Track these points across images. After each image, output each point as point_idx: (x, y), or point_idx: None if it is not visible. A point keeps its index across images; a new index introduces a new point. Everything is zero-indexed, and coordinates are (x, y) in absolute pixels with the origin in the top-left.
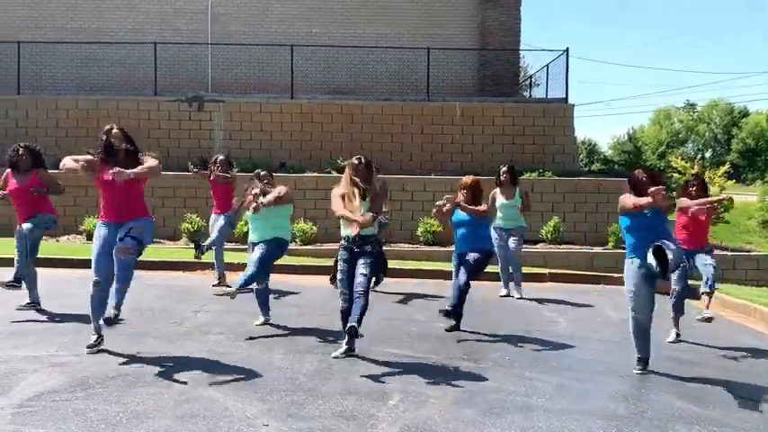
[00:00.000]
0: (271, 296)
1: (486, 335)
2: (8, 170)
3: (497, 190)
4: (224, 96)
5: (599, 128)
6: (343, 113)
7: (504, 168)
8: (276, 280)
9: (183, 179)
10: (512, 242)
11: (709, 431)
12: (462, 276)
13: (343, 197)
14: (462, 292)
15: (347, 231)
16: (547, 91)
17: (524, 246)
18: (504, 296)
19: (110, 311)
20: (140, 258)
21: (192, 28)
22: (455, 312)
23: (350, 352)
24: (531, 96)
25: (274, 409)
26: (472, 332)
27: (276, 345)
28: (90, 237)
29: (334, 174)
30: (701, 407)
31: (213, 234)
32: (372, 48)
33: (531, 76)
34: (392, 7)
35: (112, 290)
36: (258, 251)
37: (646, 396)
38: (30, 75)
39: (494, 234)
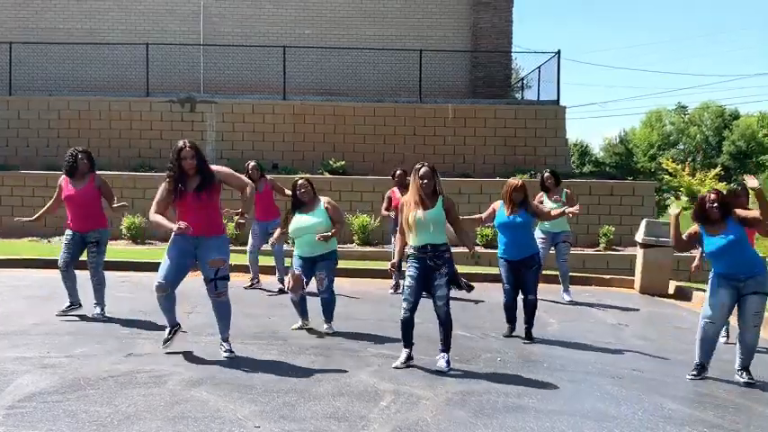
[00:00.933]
0: (265, 296)
1: (478, 336)
2: (63, 176)
3: (542, 194)
4: (216, 97)
5: (591, 130)
6: (335, 115)
7: (547, 173)
8: (269, 281)
9: None
10: (562, 252)
11: (699, 431)
12: (530, 296)
13: (405, 204)
14: (531, 306)
15: (414, 242)
16: (539, 93)
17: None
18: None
19: (225, 348)
20: (133, 260)
21: (184, 29)
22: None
23: (409, 361)
24: (522, 98)
25: (266, 411)
26: (465, 333)
27: (269, 346)
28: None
29: (327, 175)
30: (692, 408)
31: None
32: (365, 49)
33: (522, 78)
34: (384, 9)
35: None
36: (326, 276)
37: (637, 397)
38: (22, 75)
39: (539, 235)
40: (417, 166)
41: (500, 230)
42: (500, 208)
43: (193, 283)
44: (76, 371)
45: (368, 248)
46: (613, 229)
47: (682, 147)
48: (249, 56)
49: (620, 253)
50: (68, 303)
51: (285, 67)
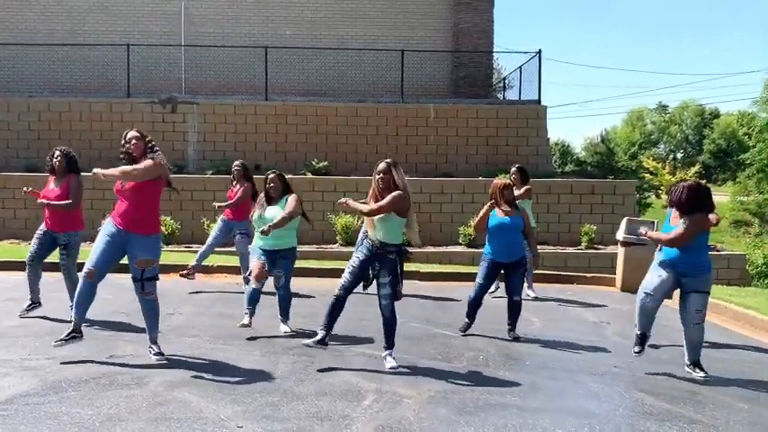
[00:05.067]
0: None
1: (461, 335)
2: (50, 176)
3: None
4: (198, 98)
5: (572, 129)
6: (317, 115)
7: (514, 169)
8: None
9: None
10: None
11: (679, 428)
12: (516, 297)
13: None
14: (517, 307)
15: (371, 233)
16: (520, 93)
17: None
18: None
19: (155, 351)
20: None
21: (165, 30)
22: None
23: (322, 343)
24: (504, 98)
25: (249, 411)
26: (447, 332)
27: (251, 346)
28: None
29: (309, 175)
30: (672, 404)
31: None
32: (346, 50)
33: (504, 78)
34: (366, 9)
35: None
36: (283, 273)
37: (618, 394)
38: (1, 77)
39: None
40: (378, 161)
41: (491, 232)
42: (492, 210)
43: (173, 283)
44: (58, 373)
45: (350, 248)
46: (595, 227)
47: (662, 145)
48: (231, 56)
49: (602, 251)
50: (29, 302)
51: (267, 68)
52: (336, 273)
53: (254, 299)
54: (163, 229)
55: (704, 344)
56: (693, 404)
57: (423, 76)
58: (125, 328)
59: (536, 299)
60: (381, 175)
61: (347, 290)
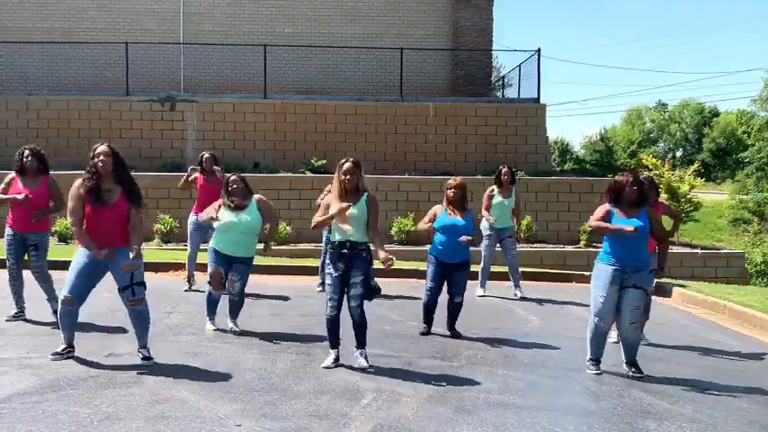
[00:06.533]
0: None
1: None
2: (12, 174)
3: (495, 189)
4: (196, 96)
5: (572, 127)
6: (316, 113)
7: (506, 169)
8: (250, 281)
9: (155, 180)
10: (510, 248)
11: (678, 426)
12: (458, 298)
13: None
14: (458, 307)
15: (336, 237)
16: (519, 91)
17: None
18: (482, 296)
19: (144, 355)
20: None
21: (163, 28)
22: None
23: (337, 361)
24: (503, 96)
25: (247, 409)
26: (445, 331)
27: (249, 345)
28: (62, 238)
29: (308, 174)
30: (671, 403)
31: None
32: (345, 48)
33: (503, 77)
34: (365, 7)
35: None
36: (239, 279)
37: (616, 393)
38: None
39: (485, 232)
40: (341, 161)
41: (440, 232)
42: (442, 209)
43: (172, 282)
44: (56, 371)
45: None
46: None
47: (662, 144)
48: (229, 54)
49: None
50: (16, 311)
51: (266, 66)
52: None
53: (212, 307)
54: (161, 227)
55: (701, 343)
56: (692, 403)
57: (422, 75)
58: (123, 327)
59: (523, 299)
60: (349, 176)
61: (338, 308)
